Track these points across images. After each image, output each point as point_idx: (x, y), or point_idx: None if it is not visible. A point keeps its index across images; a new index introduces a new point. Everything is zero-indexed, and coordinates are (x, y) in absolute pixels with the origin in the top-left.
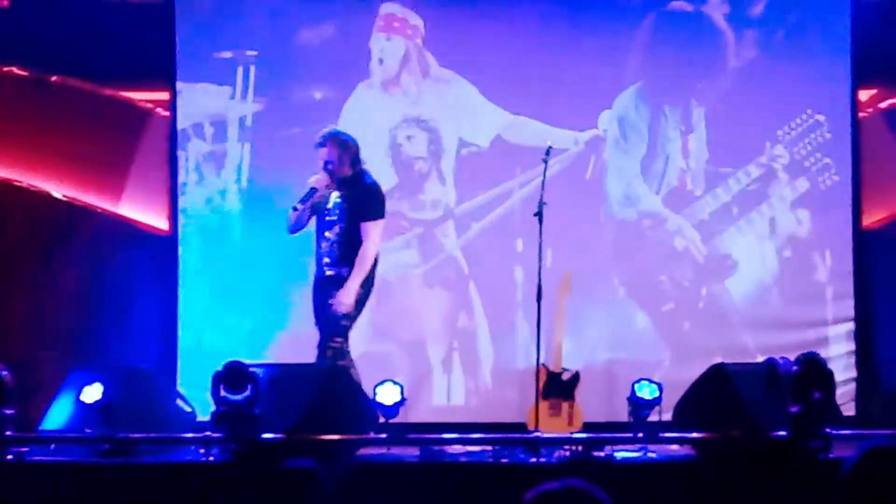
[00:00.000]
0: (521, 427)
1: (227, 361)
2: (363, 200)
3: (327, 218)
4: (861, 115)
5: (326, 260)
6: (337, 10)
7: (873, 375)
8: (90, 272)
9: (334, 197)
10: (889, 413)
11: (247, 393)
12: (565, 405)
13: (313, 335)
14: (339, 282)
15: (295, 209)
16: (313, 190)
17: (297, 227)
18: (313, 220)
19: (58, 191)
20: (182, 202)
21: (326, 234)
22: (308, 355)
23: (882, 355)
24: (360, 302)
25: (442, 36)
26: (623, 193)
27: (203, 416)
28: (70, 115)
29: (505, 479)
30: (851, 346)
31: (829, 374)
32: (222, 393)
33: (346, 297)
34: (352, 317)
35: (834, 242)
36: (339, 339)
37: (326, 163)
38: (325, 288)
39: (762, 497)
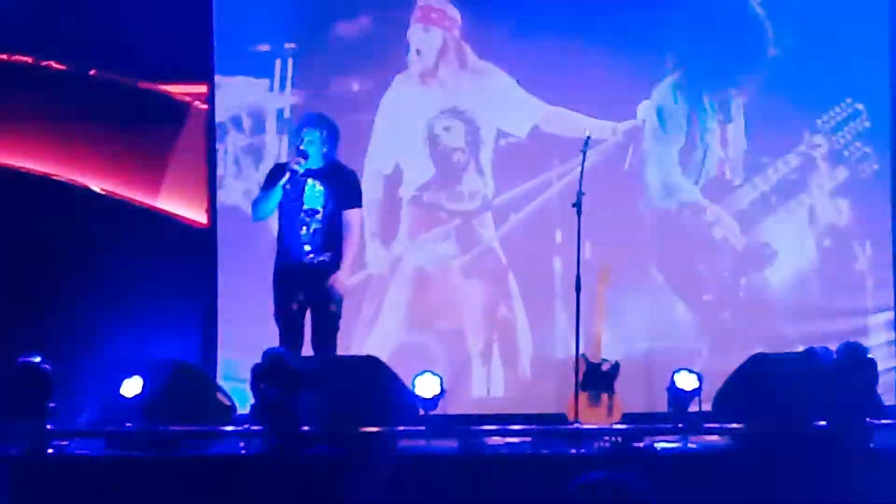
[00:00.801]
0: (560, 418)
1: (267, 354)
2: (347, 188)
3: (307, 206)
4: None
5: (308, 248)
6: (374, 2)
7: None
8: (129, 266)
9: (314, 185)
10: None
11: (286, 386)
12: (605, 396)
13: (352, 327)
14: (323, 268)
15: (271, 189)
16: (295, 171)
17: (264, 208)
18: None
19: (96, 185)
20: (220, 195)
21: (308, 221)
22: (344, 348)
23: None
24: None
25: (479, 27)
26: (662, 183)
27: (243, 409)
28: (108, 110)
29: (545, 471)
30: (891, 336)
31: (872, 364)
32: (262, 386)
33: (344, 277)
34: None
35: (874, 231)
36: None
37: (311, 143)
38: (307, 276)
39: (802, 487)
